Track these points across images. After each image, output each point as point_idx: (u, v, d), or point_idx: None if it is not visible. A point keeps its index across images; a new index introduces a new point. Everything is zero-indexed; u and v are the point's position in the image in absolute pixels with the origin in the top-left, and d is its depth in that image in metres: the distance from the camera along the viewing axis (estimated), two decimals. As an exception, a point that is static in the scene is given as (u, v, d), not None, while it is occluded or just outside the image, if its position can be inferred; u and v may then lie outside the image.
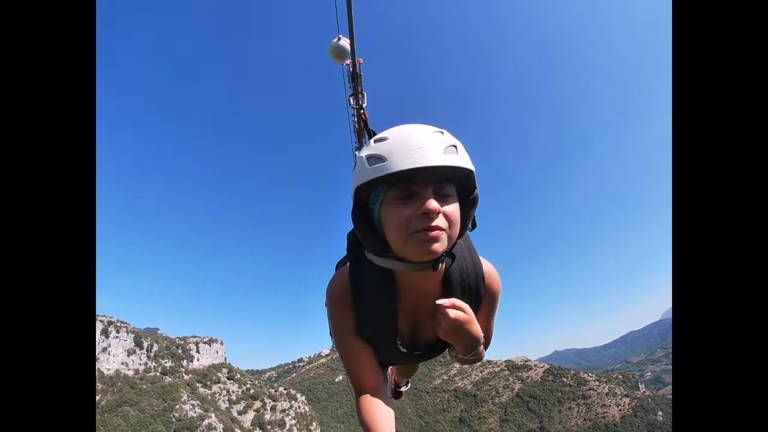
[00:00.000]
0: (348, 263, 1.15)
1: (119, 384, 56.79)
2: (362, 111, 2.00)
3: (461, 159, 0.89)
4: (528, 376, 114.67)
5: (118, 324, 63.61)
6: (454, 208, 0.92)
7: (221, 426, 52.53)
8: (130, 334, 63.83)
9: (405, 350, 1.15)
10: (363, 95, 2.01)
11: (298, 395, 67.54)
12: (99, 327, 59.93)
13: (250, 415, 59.87)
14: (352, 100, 2.01)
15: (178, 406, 54.49)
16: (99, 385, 54.13)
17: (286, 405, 63.03)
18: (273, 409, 61.16)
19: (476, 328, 1.06)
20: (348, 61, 1.96)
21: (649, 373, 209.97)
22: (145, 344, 64.25)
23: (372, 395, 1.04)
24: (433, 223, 0.87)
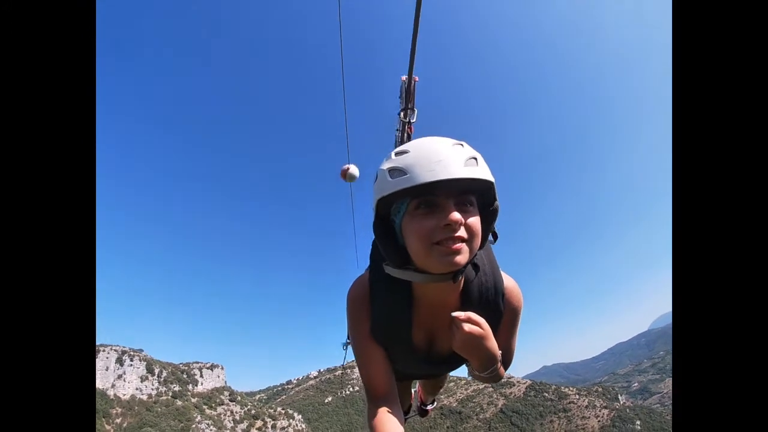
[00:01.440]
0: (369, 268, 1.21)
1: (136, 408, 64.54)
2: (409, 125, 2.16)
3: (481, 171, 0.91)
4: (511, 392, 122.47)
5: (132, 353, 71.75)
6: (475, 220, 0.94)
7: None
8: (142, 362, 72.09)
9: (418, 360, 1.21)
10: (414, 111, 2.15)
11: (296, 414, 75.02)
12: (114, 356, 67.45)
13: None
14: (402, 115, 2.15)
15: (194, 426, 62.16)
16: (118, 409, 61.67)
17: (285, 423, 70.74)
18: (273, 427, 68.61)
19: (492, 345, 1.06)
20: (404, 77, 2.09)
21: (636, 384, 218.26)
22: (156, 371, 71.20)
23: (383, 400, 1.07)
24: (456, 235, 0.90)
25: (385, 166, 0.96)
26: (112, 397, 65.83)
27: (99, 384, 66.11)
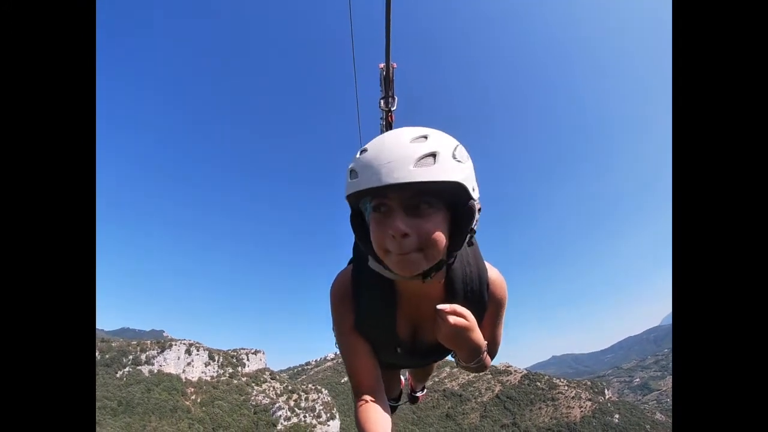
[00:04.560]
0: (353, 261, 1.24)
1: (204, 387, 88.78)
2: (390, 114, 2.14)
3: (439, 171, 0.84)
4: (508, 380, 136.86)
5: (197, 345, 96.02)
6: (432, 226, 0.89)
7: (286, 407, 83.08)
8: (204, 351, 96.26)
9: (403, 353, 1.22)
10: (394, 99, 2.12)
11: (323, 389, 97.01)
12: (183, 348, 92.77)
13: (291, 403, 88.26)
14: (382, 103, 2.14)
15: (252, 398, 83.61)
16: (191, 389, 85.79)
17: (315, 396, 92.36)
18: (306, 399, 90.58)
19: (477, 336, 1.08)
20: (382, 65, 2.05)
21: (637, 380, 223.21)
22: (216, 357, 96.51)
23: (369, 396, 1.09)
24: (405, 244, 0.88)
25: (350, 165, 0.94)
26: (184, 380, 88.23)
27: (173, 370, 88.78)
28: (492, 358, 1.26)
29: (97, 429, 61.91)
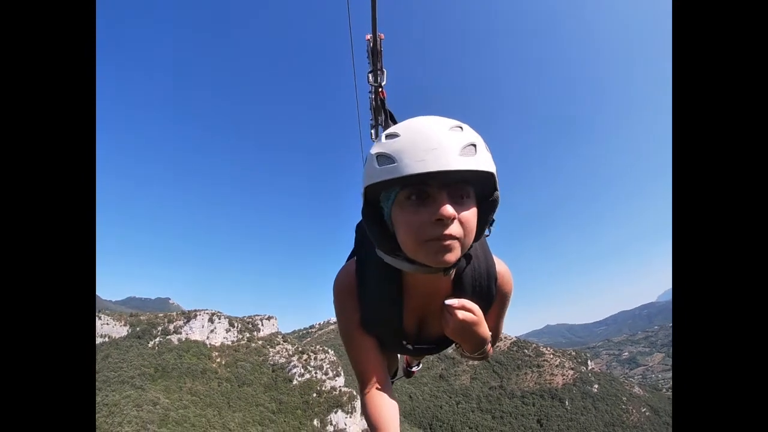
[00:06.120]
0: (356, 257, 1.22)
1: (227, 350, 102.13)
2: (380, 89, 2.07)
3: (480, 161, 0.87)
4: (497, 346, 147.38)
5: (218, 314, 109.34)
6: (471, 214, 0.91)
7: (300, 365, 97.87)
8: (225, 319, 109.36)
9: (410, 348, 1.23)
10: (383, 72, 2.05)
11: (329, 350, 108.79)
12: (206, 317, 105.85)
13: (303, 362, 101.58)
14: (370, 77, 2.08)
15: (270, 358, 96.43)
16: (215, 353, 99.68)
17: (323, 356, 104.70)
18: (315, 359, 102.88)
19: (484, 330, 1.10)
20: (369, 36, 1.97)
21: (626, 354, 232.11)
22: (235, 324, 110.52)
23: (377, 388, 1.09)
24: (447, 231, 0.87)
25: (374, 150, 0.92)
26: (209, 346, 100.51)
27: (198, 337, 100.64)
28: (493, 346, 1.28)
29: (140, 393, 74.13)
